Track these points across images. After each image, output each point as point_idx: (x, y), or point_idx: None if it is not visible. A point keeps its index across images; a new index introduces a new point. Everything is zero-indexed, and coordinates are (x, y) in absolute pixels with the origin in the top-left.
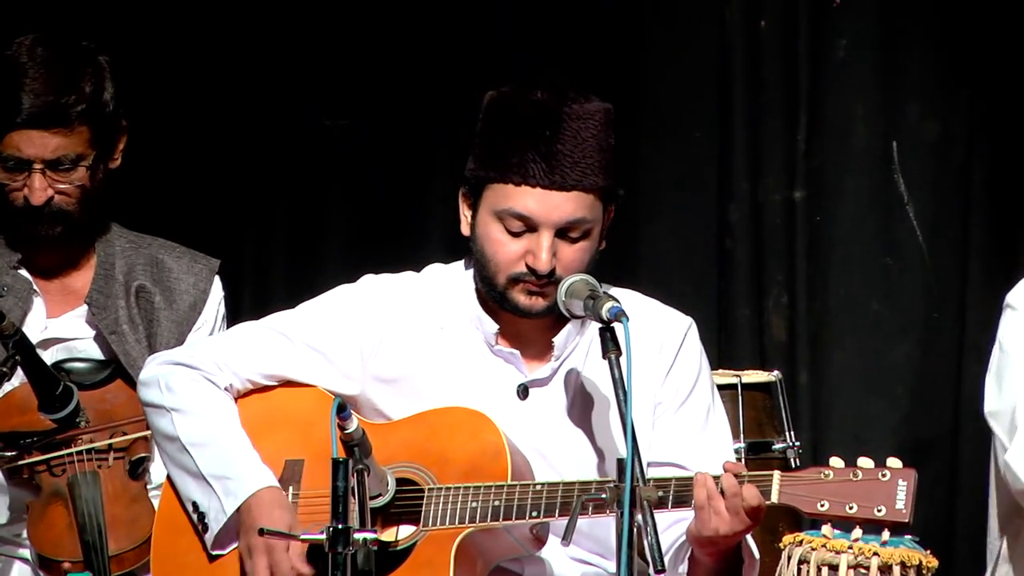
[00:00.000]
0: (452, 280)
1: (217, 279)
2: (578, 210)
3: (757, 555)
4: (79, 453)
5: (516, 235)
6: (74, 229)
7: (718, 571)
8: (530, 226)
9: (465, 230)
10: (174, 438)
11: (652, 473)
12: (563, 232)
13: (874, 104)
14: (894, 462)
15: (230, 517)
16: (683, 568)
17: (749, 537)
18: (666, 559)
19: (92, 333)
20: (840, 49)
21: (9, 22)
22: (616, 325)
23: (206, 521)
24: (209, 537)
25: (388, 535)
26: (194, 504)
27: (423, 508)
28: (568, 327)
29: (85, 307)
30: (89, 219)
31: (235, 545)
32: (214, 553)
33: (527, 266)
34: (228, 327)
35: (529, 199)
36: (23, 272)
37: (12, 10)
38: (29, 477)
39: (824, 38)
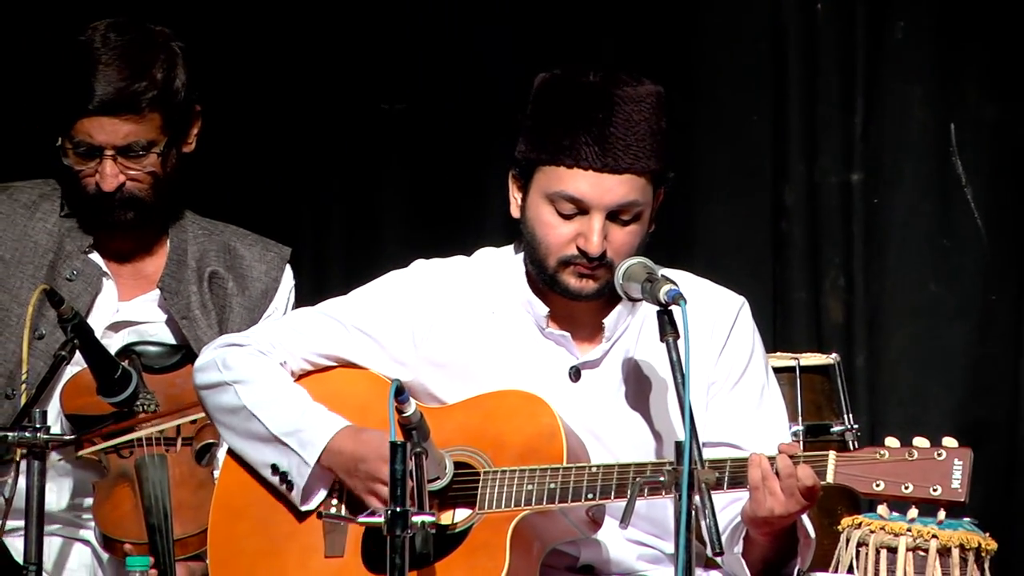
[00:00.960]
0: (502, 264)
1: (288, 268)
2: (630, 193)
3: (813, 534)
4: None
5: (567, 217)
6: (146, 214)
7: (773, 551)
8: (582, 209)
9: (515, 212)
10: (239, 408)
11: (706, 453)
12: (614, 215)
13: (932, 86)
14: (950, 441)
15: (313, 468)
16: (738, 548)
17: (805, 516)
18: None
19: (163, 317)
20: (898, 31)
21: (84, 7)
22: (673, 308)
23: (289, 479)
24: (296, 494)
25: (444, 518)
26: (273, 467)
27: (479, 491)
28: (618, 308)
29: (157, 291)
30: (161, 205)
31: (322, 497)
32: (303, 509)
33: (578, 249)
34: None
35: (581, 182)
36: (94, 257)
37: None
38: (96, 457)
39: (881, 20)
